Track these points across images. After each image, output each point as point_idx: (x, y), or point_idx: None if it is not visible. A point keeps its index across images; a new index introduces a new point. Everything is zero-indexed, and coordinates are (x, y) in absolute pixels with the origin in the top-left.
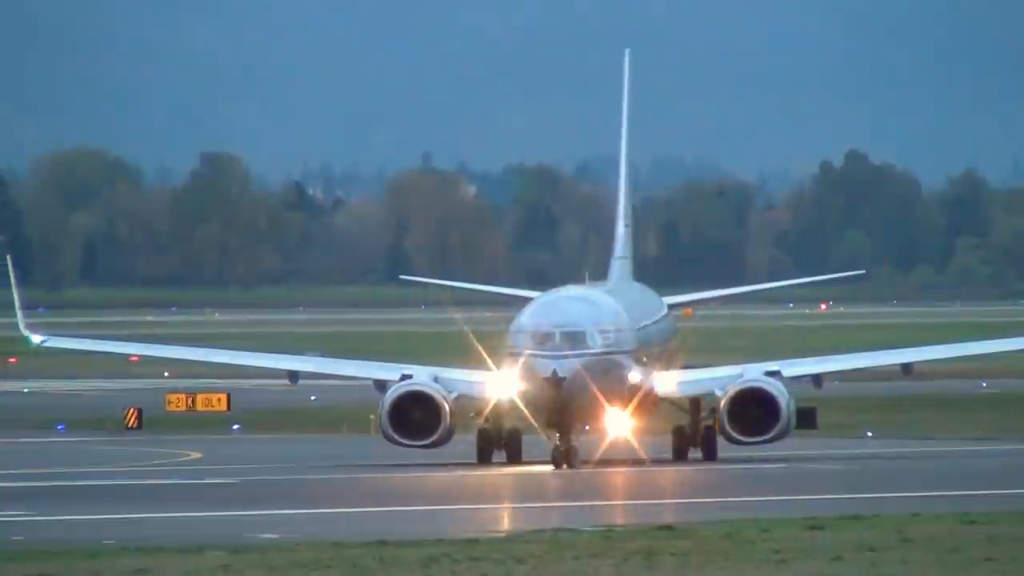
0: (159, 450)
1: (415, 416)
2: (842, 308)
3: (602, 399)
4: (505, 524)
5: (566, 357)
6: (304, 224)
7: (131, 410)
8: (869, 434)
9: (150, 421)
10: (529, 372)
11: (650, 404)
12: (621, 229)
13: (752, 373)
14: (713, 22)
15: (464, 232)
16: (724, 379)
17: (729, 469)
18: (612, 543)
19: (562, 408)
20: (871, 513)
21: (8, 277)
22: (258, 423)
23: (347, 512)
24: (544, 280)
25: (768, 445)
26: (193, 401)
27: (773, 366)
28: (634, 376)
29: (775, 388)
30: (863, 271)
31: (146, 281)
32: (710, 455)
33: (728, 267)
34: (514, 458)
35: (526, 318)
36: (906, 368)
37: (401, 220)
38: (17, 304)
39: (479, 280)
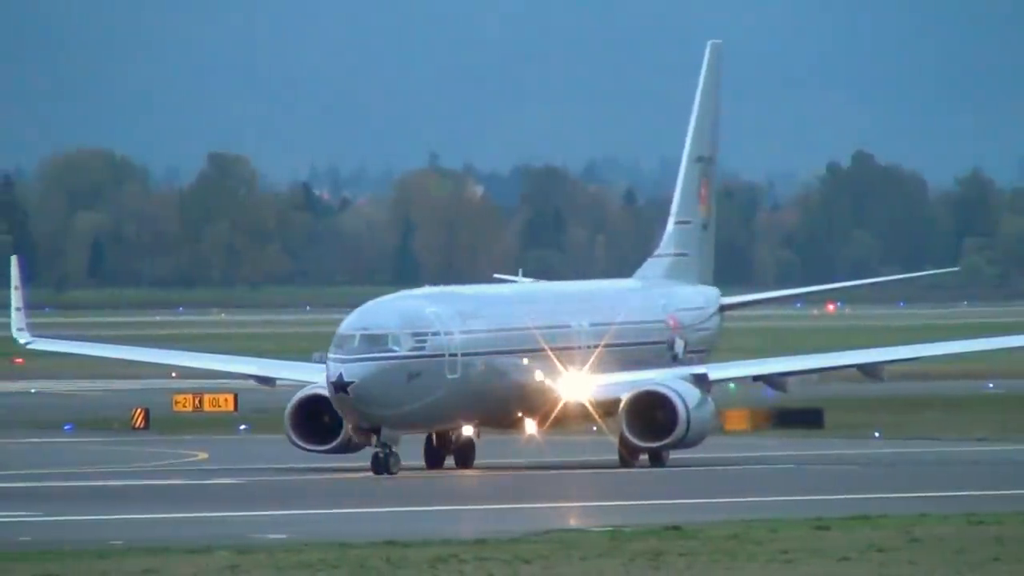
0: (166, 450)
1: (323, 420)
2: (848, 309)
3: (423, 404)
4: (512, 524)
5: (359, 360)
6: (311, 224)
7: (138, 410)
8: (877, 434)
9: (157, 421)
10: (327, 376)
11: (554, 408)
12: (670, 227)
13: (664, 376)
14: (719, 22)
15: (471, 232)
16: (637, 383)
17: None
18: (619, 543)
19: (354, 413)
20: (878, 513)
21: (18, 276)
22: (265, 423)
23: (354, 512)
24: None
25: (685, 450)
26: (200, 401)
27: (700, 369)
28: (522, 379)
29: (673, 391)
30: (956, 268)
31: (153, 281)
32: (657, 461)
33: (735, 267)
34: (464, 463)
35: (345, 320)
36: (866, 371)
37: (408, 220)
38: (15, 304)
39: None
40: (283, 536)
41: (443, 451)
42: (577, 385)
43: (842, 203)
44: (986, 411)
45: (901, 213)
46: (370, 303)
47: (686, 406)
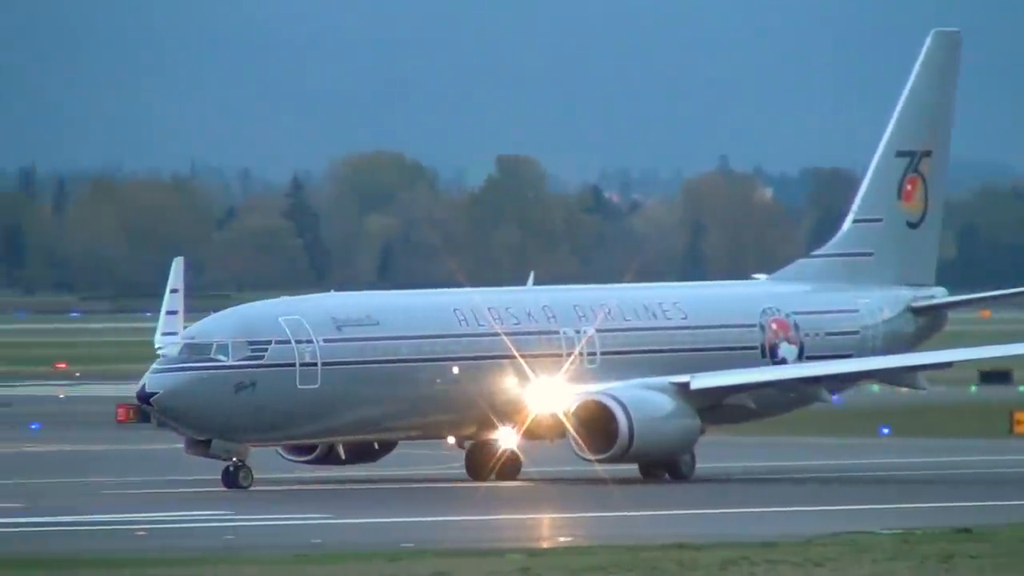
0: (453, 453)
1: None
2: None
3: (262, 415)
4: (801, 527)
5: (169, 371)
6: (600, 226)
7: None
8: None
9: None
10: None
11: (525, 418)
12: (846, 225)
13: (623, 386)
14: (990, 18)
15: (759, 233)
16: (587, 393)
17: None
18: (910, 546)
19: (166, 426)
20: None
21: (180, 279)
22: None
23: (642, 515)
24: None
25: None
26: None
27: (683, 378)
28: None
29: (616, 401)
30: None
31: (442, 284)
32: (676, 474)
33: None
34: (507, 477)
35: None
36: (888, 380)
37: (698, 223)
38: (166, 307)
39: None
40: (570, 539)
41: (482, 464)
42: (544, 394)
43: None
44: None
45: None
46: (230, 310)
47: (629, 417)
